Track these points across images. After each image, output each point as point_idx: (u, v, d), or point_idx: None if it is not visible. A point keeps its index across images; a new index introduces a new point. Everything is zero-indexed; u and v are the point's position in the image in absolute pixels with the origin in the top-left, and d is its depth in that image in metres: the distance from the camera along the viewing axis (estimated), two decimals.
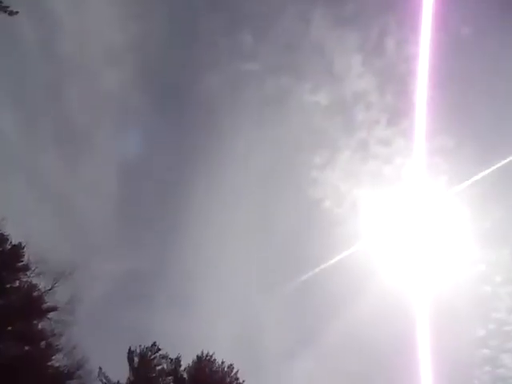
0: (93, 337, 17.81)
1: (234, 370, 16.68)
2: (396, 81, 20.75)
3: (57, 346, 16.22)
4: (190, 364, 16.69)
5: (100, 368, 16.46)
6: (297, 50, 20.13)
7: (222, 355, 17.38)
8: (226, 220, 20.62)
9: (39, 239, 16.27)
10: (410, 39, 20.84)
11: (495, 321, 19.29)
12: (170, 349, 17.27)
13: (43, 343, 15.79)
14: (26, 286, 15.77)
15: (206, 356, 16.76)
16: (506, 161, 21.47)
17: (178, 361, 16.65)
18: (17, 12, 13.14)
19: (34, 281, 15.93)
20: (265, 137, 20.27)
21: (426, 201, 21.89)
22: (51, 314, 16.24)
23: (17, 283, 15.73)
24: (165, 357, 16.62)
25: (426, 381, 17.41)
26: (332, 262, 20.72)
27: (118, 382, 17.13)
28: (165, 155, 19.54)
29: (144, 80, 19.16)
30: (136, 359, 16.82)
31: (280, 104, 20.33)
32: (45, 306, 16.05)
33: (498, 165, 21.65)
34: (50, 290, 16.32)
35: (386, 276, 20.79)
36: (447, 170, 21.32)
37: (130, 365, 16.89)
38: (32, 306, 15.54)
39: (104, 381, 17.07)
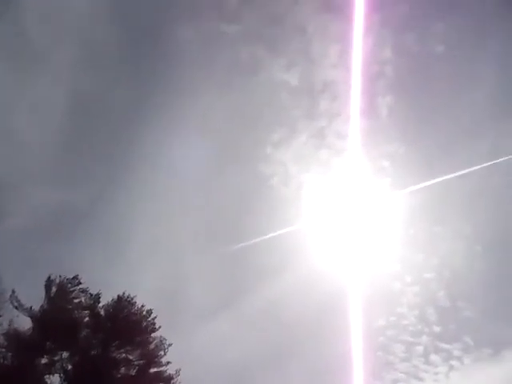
0: (10, 260, 16.99)
1: (152, 316, 16.45)
2: (365, 80, 21.29)
3: None
4: (109, 302, 16.33)
5: (13, 291, 15.79)
6: (279, 24, 20.04)
7: (142, 301, 17.80)
8: (171, 174, 20.30)
9: None
10: (388, 42, 21.41)
11: (396, 314, 20.61)
12: (91, 286, 16.78)
13: None
14: None
15: (127, 297, 16.39)
16: (443, 178, 22.85)
17: (97, 297, 16.24)
18: None
19: None
20: (227, 103, 20.01)
21: (367, 198, 22.87)
22: None
23: None
24: (84, 291, 16.18)
25: (330, 356, 18.89)
26: (268, 236, 21.06)
27: (31, 307, 16.59)
28: (121, 92, 18.80)
29: (112, 12, 18.20)
30: (54, 288, 16.19)
31: (250, 74, 20.17)
32: None
33: (437, 180, 23.00)
34: None
35: (315, 258, 21.53)
36: (392, 173, 22.30)
37: (46, 293, 16.28)
38: None
39: (15, 304, 16.20)
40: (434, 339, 20.87)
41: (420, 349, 20.97)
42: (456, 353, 20.61)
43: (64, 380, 15.91)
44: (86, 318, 16.12)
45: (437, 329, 21.07)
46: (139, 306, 16.31)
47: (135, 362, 16.09)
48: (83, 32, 18.46)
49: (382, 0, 21.66)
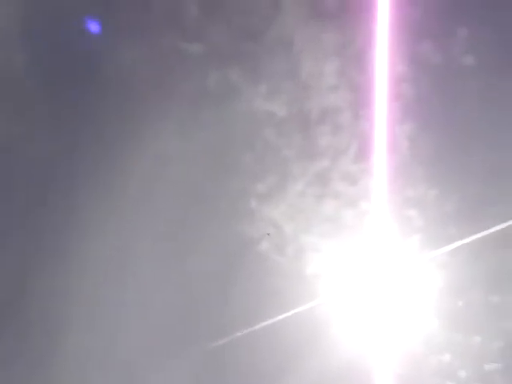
0: None
1: None
2: (377, 103, 16.08)
3: None
4: None
5: None
6: (256, 38, 14.91)
7: None
8: (121, 249, 14.44)
9: None
10: (403, 53, 16.26)
11: None
12: None
13: None
14: None
15: None
16: (498, 227, 16.87)
17: None
18: None
19: None
20: (193, 145, 14.51)
21: (391, 262, 17.00)
22: None
23: None
24: None
25: None
26: (262, 325, 15.18)
27: None
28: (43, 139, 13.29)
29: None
30: None
31: (221, 105, 14.77)
32: None
33: (488, 231, 17.01)
34: None
35: (329, 350, 15.50)
36: (422, 227, 16.55)
37: None
38: None
39: None
40: None
41: None
42: None
43: None
44: None
45: None
46: None
47: None
48: None
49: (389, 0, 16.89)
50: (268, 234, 14.41)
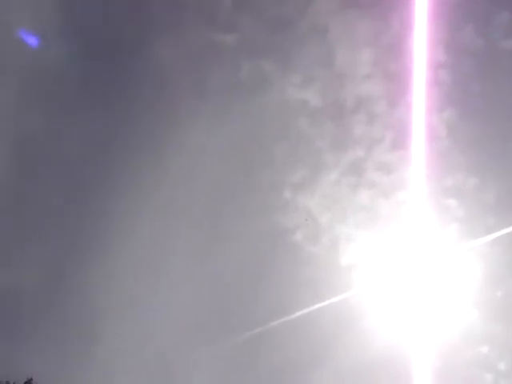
0: None
1: None
2: (414, 91, 15.75)
3: None
4: None
5: None
6: (289, 27, 14.99)
7: None
8: (156, 244, 14.87)
9: None
10: (442, 40, 15.84)
11: None
12: None
13: None
14: None
15: None
16: None
17: None
18: None
19: None
20: (227, 137, 14.81)
21: (429, 252, 16.79)
22: None
23: None
24: None
25: None
26: (297, 314, 15.30)
27: None
28: (81, 141, 13.80)
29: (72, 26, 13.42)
30: None
31: (255, 95, 15.01)
32: None
33: None
34: None
35: (363, 343, 15.49)
36: (461, 217, 16.23)
37: None
38: None
39: None
40: None
41: None
42: None
43: None
44: None
45: None
46: None
47: None
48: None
49: None
50: (306, 220, 14.43)
